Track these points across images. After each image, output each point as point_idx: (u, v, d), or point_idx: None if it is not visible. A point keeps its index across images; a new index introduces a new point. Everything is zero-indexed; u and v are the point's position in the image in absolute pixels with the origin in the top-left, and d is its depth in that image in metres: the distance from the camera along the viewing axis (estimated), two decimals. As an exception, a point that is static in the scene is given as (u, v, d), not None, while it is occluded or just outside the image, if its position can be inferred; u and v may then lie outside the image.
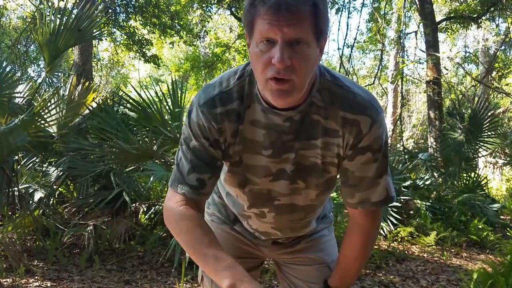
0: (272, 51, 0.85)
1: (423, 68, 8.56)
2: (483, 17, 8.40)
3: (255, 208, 1.13)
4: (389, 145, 7.05)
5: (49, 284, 2.87)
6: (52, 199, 3.94)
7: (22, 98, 4.04)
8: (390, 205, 4.61)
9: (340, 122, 0.98)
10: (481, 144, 6.08)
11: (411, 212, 5.22)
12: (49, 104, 3.72)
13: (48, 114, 3.65)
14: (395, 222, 4.57)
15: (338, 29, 13.66)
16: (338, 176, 1.10)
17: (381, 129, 0.98)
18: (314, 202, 1.13)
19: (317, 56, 0.90)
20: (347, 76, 7.60)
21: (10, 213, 3.74)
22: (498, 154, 9.37)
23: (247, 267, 1.27)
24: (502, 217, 6.07)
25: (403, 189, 5.10)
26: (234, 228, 1.27)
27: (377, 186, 1.03)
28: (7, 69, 3.86)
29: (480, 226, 4.92)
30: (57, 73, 4.46)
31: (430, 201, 5.28)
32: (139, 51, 9.58)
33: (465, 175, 6.02)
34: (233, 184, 1.10)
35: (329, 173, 1.05)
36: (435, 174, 5.96)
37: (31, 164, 3.92)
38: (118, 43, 10.24)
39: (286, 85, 0.87)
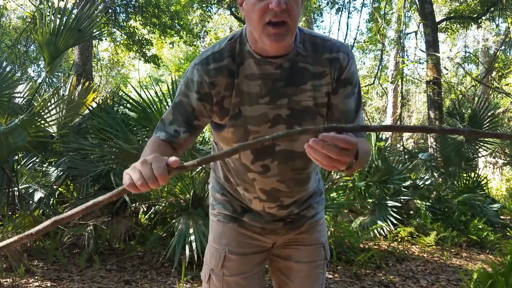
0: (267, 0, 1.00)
1: (423, 68, 8.56)
2: (483, 17, 8.41)
3: (259, 162, 1.21)
4: (389, 144, 7.07)
5: (49, 284, 2.87)
6: (52, 199, 3.94)
7: (22, 98, 4.04)
8: (390, 205, 4.65)
9: (326, 63, 1.14)
10: (481, 144, 6.08)
11: (411, 212, 5.22)
12: (49, 104, 3.72)
13: (48, 114, 3.65)
14: (395, 222, 4.57)
15: (338, 29, 13.63)
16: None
17: (355, 66, 1.17)
18: None
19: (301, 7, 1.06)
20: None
21: (10, 213, 3.74)
22: (498, 154, 9.37)
23: (256, 262, 1.34)
24: (502, 217, 6.07)
25: (403, 189, 5.10)
26: (242, 223, 1.31)
27: (357, 119, 1.20)
28: (7, 69, 3.86)
29: (480, 226, 4.92)
30: (57, 73, 4.46)
31: (430, 201, 5.28)
32: (139, 51, 9.57)
33: (465, 175, 6.02)
34: (236, 138, 1.19)
35: (322, 116, 1.18)
36: (435, 174, 5.96)
37: (31, 164, 3.92)
38: (118, 43, 10.24)
39: (282, 29, 1.02)
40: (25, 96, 4.06)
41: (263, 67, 1.12)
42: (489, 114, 6.03)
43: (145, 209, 3.96)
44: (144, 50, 9.63)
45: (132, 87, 4.67)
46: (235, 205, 1.32)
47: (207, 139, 4.90)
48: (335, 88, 1.16)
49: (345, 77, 1.15)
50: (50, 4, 7.94)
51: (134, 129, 3.99)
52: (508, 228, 5.00)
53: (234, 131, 1.17)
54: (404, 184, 5.14)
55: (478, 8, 8.14)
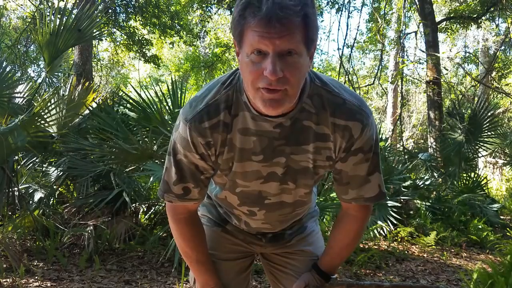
0: (263, 63, 0.84)
1: (423, 68, 8.56)
2: (483, 17, 8.40)
3: (246, 207, 1.16)
4: (389, 144, 7.07)
5: (49, 284, 2.87)
6: (52, 199, 3.94)
7: (22, 98, 4.04)
8: (390, 205, 4.64)
9: (331, 128, 1.00)
10: (481, 144, 6.08)
11: (411, 212, 5.22)
12: (49, 104, 3.72)
13: (48, 114, 3.65)
14: (395, 222, 4.57)
15: (338, 29, 13.61)
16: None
17: (371, 131, 1.02)
18: (303, 198, 1.16)
19: (308, 64, 0.90)
20: (347, 75, 7.61)
21: (10, 213, 3.74)
22: (498, 154, 9.38)
23: (240, 268, 1.30)
24: (502, 217, 6.07)
25: (403, 189, 5.10)
26: (226, 229, 1.28)
27: (369, 183, 1.08)
28: (7, 69, 3.86)
29: (480, 226, 4.92)
30: (57, 73, 4.46)
31: (430, 201, 5.28)
32: (139, 51, 9.57)
33: (465, 175, 6.02)
34: (223, 185, 1.14)
35: (317, 174, 1.09)
36: (435, 174, 5.96)
37: (31, 164, 3.92)
38: (118, 43, 10.24)
39: (278, 94, 0.87)
40: (25, 96, 4.07)
41: (260, 123, 0.98)
42: (489, 114, 6.02)
43: (145, 209, 3.96)
44: (144, 50, 9.63)
45: (132, 87, 4.68)
46: (219, 211, 1.28)
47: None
48: (343, 157, 1.04)
49: (357, 146, 1.02)
50: (50, 4, 7.94)
51: (134, 129, 3.99)
52: (508, 228, 5.00)
53: (222, 179, 1.11)
54: (404, 184, 5.14)
55: (478, 8, 8.14)
